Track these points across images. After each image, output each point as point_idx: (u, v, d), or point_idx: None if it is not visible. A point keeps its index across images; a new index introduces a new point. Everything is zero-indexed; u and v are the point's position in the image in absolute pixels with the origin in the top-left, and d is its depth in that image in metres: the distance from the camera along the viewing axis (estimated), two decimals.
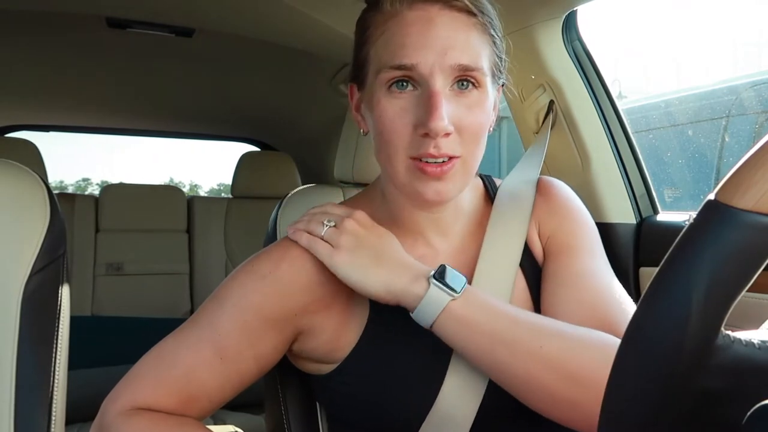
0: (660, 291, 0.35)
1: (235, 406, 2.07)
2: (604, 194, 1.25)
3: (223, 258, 2.50)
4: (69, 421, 0.87)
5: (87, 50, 1.88)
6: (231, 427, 1.81)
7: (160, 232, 2.45)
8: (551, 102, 1.24)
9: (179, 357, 0.73)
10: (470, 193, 0.82)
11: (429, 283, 0.68)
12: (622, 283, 0.78)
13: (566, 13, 1.18)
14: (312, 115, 2.47)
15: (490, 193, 0.86)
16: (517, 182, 0.87)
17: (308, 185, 1.20)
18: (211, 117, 2.72)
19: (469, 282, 0.72)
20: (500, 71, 0.75)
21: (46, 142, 2.52)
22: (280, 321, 0.75)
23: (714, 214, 0.34)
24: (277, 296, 0.74)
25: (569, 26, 1.23)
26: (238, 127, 2.90)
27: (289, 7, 1.40)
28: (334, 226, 0.74)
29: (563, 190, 0.86)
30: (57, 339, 0.80)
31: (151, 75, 2.15)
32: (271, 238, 1.04)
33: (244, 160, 2.54)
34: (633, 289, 1.21)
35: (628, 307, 0.73)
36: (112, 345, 1.96)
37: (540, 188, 0.85)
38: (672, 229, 1.19)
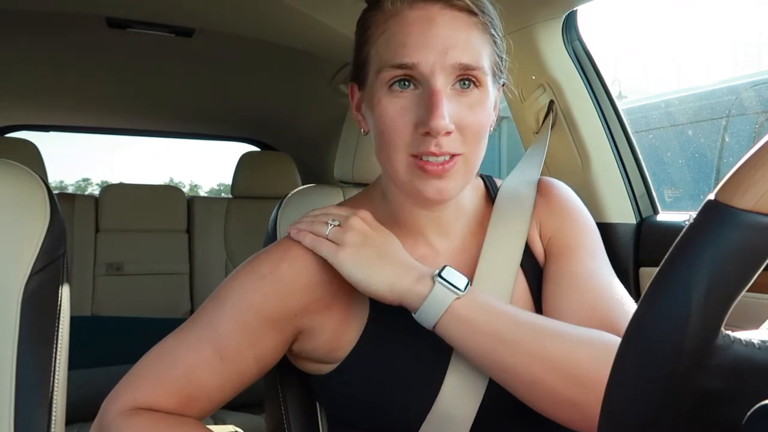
0: (660, 291, 0.35)
1: (235, 406, 2.07)
2: (604, 194, 1.25)
3: (223, 258, 2.49)
4: (69, 421, 0.87)
5: (87, 50, 1.88)
6: (231, 427, 1.81)
7: (160, 232, 2.45)
8: (551, 102, 1.24)
9: (179, 357, 0.73)
10: (471, 193, 0.82)
11: (433, 282, 0.68)
12: (623, 283, 0.78)
13: (566, 13, 1.18)
14: (312, 115, 2.47)
15: (490, 193, 0.86)
16: (517, 182, 0.87)
17: (308, 185, 1.19)
18: (211, 117, 2.72)
19: (470, 282, 0.72)
20: (501, 71, 0.76)
21: (46, 142, 2.52)
22: (280, 321, 0.74)
23: (714, 214, 0.34)
24: (277, 296, 0.74)
25: (569, 26, 1.23)
26: (238, 127, 2.90)
27: (289, 7, 1.40)
28: (338, 225, 0.74)
29: (564, 190, 0.86)
30: (57, 339, 0.80)
31: (151, 75, 2.15)
32: (271, 238, 1.04)
33: (244, 160, 2.54)
34: (633, 289, 1.21)
35: (629, 307, 0.73)
36: (112, 345, 1.96)
37: (541, 189, 0.85)
38: (672, 229, 1.19)
